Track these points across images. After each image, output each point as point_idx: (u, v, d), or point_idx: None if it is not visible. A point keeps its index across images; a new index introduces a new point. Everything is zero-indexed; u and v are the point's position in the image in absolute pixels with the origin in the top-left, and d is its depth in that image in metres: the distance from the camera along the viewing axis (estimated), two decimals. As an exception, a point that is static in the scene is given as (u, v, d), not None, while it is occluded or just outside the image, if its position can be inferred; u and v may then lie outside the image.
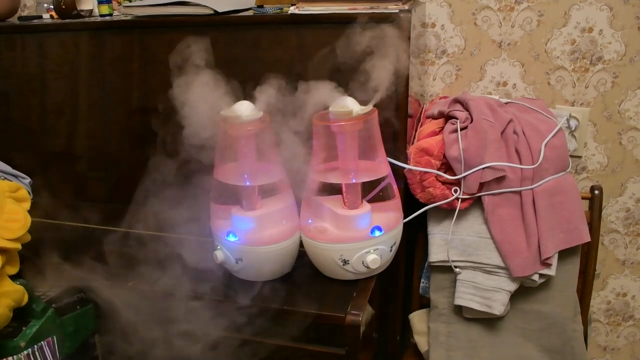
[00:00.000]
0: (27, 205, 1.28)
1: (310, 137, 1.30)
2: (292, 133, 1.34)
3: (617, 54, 1.79)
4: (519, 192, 1.49)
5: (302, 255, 1.38)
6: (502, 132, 1.51)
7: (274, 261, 1.33)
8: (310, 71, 1.37)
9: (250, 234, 1.30)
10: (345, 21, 1.40)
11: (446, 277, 1.58)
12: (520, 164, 1.49)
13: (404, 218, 1.40)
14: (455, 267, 1.53)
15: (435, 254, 1.54)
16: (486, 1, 1.84)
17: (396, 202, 1.34)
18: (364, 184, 1.29)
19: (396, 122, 1.46)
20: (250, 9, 1.69)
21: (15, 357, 1.18)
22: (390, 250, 1.32)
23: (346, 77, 1.29)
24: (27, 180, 1.47)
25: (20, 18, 1.94)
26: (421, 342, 1.65)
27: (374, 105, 1.27)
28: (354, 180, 1.28)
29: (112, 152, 1.76)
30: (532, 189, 1.49)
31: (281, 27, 1.49)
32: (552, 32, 1.82)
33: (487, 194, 1.49)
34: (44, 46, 1.76)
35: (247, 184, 1.31)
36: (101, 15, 1.82)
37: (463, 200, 1.49)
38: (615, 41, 1.78)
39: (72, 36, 1.73)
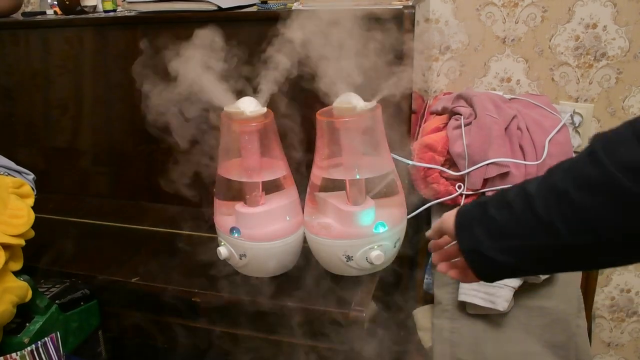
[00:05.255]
0: (31, 201, 1.28)
1: (313, 132, 1.30)
2: (295, 128, 1.34)
3: (621, 50, 1.78)
4: (523, 188, 1.49)
5: (305, 251, 1.38)
6: (506, 128, 1.51)
7: (277, 257, 1.33)
8: (314, 67, 1.37)
9: (254, 230, 1.30)
10: (349, 17, 1.39)
11: (450, 273, 1.58)
12: (524, 160, 1.48)
13: (408, 214, 1.40)
14: (459, 263, 1.53)
15: (439, 250, 1.54)
16: (490, -3, 1.85)
17: (400, 198, 1.34)
18: (367, 180, 1.29)
19: (400, 118, 1.46)
20: (254, 4, 1.69)
21: (19, 353, 1.18)
22: (394, 246, 1.32)
23: (350, 73, 1.29)
24: (31, 176, 1.47)
25: (24, 14, 1.94)
26: (425, 338, 1.65)
27: (378, 101, 1.27)
28: (357, 176, 1.28)
29: (116, 148, 1.76)
30: (536, 185, 1.49)
31: (285, 23, 1.49)
32: (556, 28, 1.82)
33: (491, 190, 1.49)
34: (48, 42, 1.76)
35: (251, 180, 1.31)
36: (105, 11, 1.82)
37: (467, 196, 1.49)
38: (620, 37, 1.77)
39: (76, 32, 1.73)
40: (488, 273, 0.82)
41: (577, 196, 0.69)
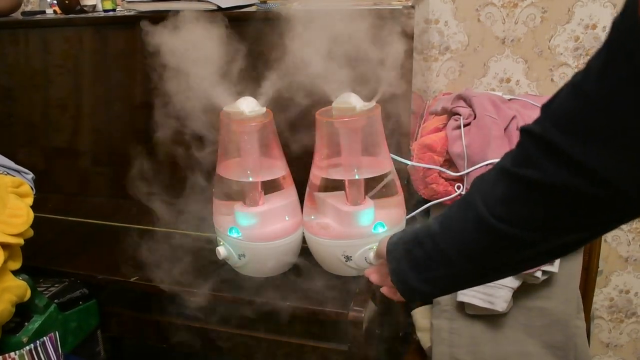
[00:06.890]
0: (30, 200, 1.28)
1: (313, 132, 1.30)
2: (295, 128, 1.33)
3: (621, 51, 1.78)
4: (522, 189, 1.49)
5: (304, 251, 1.38)
6: (506, 129, 1.51)
7: (276, 257, 1.33)
8: (313, 67, 1.38)
9: (253, 230, 1.30)
10: (348, 17, 1.39)
11: (449, 274, 1.58)
12: (524, 161, 1.48)
13: (407, 214, 1.40)
14: (458, 263, 1.53)
15: (438, 251, 1.54)
16: (490, -3, 1.85)
17: (399, 199, 1.34)
18: (367, 180, 1.29)
19: (399, 119, 1.46)
20: (253, 4, 1.69)
21: (17, 352, 1.18)
22: (393, 247, 1.31)
23: (350, 73, 1.29)
24: (30, 175, 1.47)
25: (23, 13, 1.93)
26: (424, 338, 1.65)
27: (377, 102, 1.27)
28: (356, 177, 1.28)
29: (115, 148, 1.76)
30: (535, 185, 1.49)
31: (284, 23, 1.49)
32: (555, 29, 1.82)
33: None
34: (48, 41, 1.76)
35: (250, 179, 1.31)
36: (105, 11, 1.82)
37: (466, 196, 1.49)
38: (620, 38, 1.77)
39: (75, 31, 1.73)
40: (412, 298, 0.95)
41: (464, 233, 0.81)
